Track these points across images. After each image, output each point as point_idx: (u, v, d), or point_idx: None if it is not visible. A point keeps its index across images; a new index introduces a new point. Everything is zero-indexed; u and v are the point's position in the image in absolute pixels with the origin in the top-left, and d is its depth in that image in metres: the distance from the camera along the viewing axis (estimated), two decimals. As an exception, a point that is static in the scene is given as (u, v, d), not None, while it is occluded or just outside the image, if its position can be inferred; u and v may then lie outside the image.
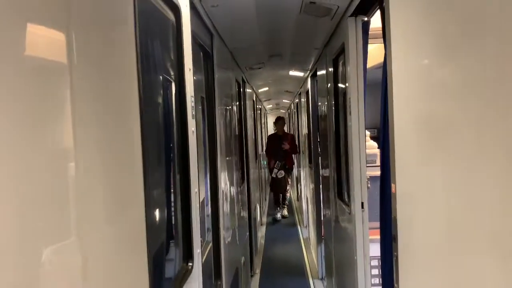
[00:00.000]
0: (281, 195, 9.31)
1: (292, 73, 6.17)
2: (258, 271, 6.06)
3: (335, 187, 3.77)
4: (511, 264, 0.90)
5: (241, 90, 5.00)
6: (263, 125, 11.66)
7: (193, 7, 2.20)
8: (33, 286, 0.73)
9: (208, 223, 2.88)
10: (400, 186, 1.72)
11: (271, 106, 12.85)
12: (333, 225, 4.07)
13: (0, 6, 0.68)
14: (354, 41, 2.73)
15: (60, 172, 0.83)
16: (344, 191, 3.48)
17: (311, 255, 6.65)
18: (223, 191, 3.04)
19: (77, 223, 0.87)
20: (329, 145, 3.96)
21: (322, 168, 4.92)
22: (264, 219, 9.32)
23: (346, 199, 3.26)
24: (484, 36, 1.01)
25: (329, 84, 3.79)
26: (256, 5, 2.65)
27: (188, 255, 1.86)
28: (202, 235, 2.42)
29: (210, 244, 2.84)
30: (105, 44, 1.07)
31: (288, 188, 9.62)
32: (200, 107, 2.81)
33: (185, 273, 1.79)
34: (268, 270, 6.12)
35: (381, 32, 2.05)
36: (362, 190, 2.84)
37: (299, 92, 8.00)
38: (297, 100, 9.10)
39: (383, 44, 1.89)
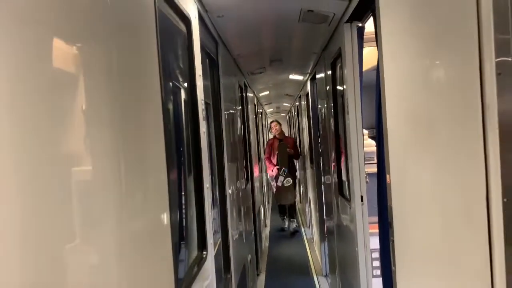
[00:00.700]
0: (288, 206, 8.16)
1: (292, 77, 6.34)
2: (263, 270, 6.22)
3: (336, 184, 3.94)
4: (481, 236, 1.08)
5: (244, 94, 5.19)
6: (264, 128, 11.81)
7: (200, 18, 2.39)
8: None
9: (215, 225, 3.04)
10: (394, 177, 1.90)
11: (271, 109, 13.01)
12: (335, 222, 4.24)
13: (34, 17, 0.76)
14: (349, 45, 2.92)
15: (104, 167, 0.99)
16: (344, 188, 3.65)
17: (315, 253, 6.80)
18: (230, 189, 3.22)
19: (118, 213, 1.05)
20: (330, 145, 4.14)
21: (323, 168, 5.09)
22: (268, 221, 9.44)
23: (347, 195, 3.44)
24: (459, 40, 1.19)
25: (327, 87, 3.97)
26: (258, 15, 2.84)
27: (202, 245, 2.04)
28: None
29: (219, 241, 3.01)
30: (132, 54, 1.25)
31: (296, 197, 8.21)
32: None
33: (200, 261, 1.97)
34: (273, 270, 6.27)
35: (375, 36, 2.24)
36: (361, 185, 3.02)
37: (299, 95, 8.10)
38: (297, 103, 9.10)
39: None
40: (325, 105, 4.23)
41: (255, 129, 7.30)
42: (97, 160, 0.97)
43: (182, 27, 1.97)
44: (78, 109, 0.91)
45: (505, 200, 0.96)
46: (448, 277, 1.38)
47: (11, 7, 0.72)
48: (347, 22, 2.87)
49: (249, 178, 5.20)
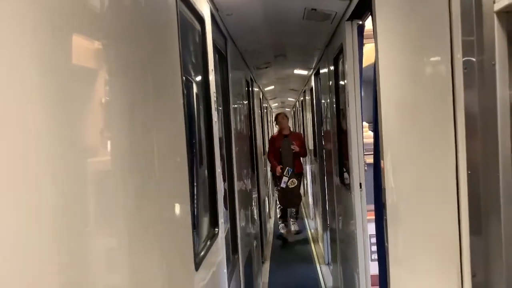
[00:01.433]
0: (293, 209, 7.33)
1: (297, 71, 6.46)
2: (268, 258, 6.46)
3: (338, 174, 4.15)
4: (452, 203, 1.29)
5: (250, 89, 5.39)
6: (269, 123, 12.00)
7: (212, 16, 2.59)
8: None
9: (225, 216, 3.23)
10: (387, 162, 2.11)
11: (276, 104, 13.20)
12: (337, 211, 4.45)
13: (68, 23, 0.81)
14: (350, 42, 3.11)
15: (139, 155, 1.20)
16: (345, 177, 3.86)
17: (318, 243, 7.02)
18: (237, 175, 3.43)
19: (156, 193, 1.27)
20: (332, 137, 4.35)
21: (326, 159, 5.29)
22: (272, 213, 9.63)
23: (347, 184, 3.65)
24: (437, 41, 1.39)
25: (330, 81, 4.17)
26: (265, 13, 3.05)
27: (214, 223, 2.26)
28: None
29: (228, 227, 3.23)
30: (160, 50, 1.46)
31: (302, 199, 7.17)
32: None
33: (212, 237, 2.19)
34: (277, 258, 6.50)
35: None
36: (360, 172, 3.23)
37: (304, 90, 8.19)
38: (302, 98, 9.15)
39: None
40: (328, 99, 4.43)
41: (260, 122, 7.48)
42: (136, 146, 1.16)
43: (197, 26, 2.18)
44: (116, 98, 1.11)
45: (469, 172, 1.17)
46: (427, 245, 1.60)
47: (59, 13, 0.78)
48: (348, 20, 3.07)
49: (255, 169, 5.42)
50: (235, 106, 3.71)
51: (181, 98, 1.61)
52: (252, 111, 5.57)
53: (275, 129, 8.12)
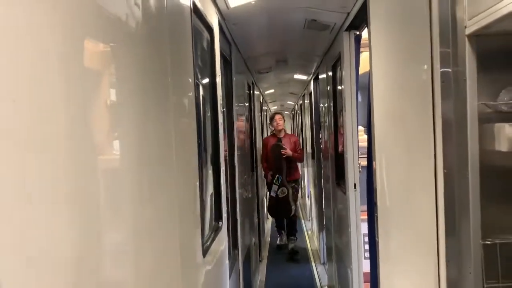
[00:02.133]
0: (286, 220, 6.57)
1: (297, 76, 6.62)
2: (265, 257, 6.62)
3: (334, 176, 4.34)
4: (431, 199, 1.49)
5: (251, 92, 5.58)
6: (269, 127, 12.13)
7: (219, 25, 2.79)
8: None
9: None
10: (378, 164, 2.30)
11: (276, 107, 13.38)
12: (333, 211, 4.64)
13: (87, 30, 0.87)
14: (348, 50, 3.31)
15: (153, 154, 1.39)
16: (340, 179, 4.05)
17: (314, 243, 7.19)
18: (238, 176, 3.62)
19: (176, 182, 1.45)
20: (329, 140, 4.54)
21: (323, 162, 5.47)
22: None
23: (343, 184, 3.84)
24: (420, 53, 1.58)
25: (328, 87, 4.37)
26: (268, 23, 3.26)
27: (219, 217, 2.44)
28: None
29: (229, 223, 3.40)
30: (178, 55, 1.64)
31: (294, 210, 6.29)
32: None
33: (217, 229, 2.37)
34: (274, 257, 6.67)
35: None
36: (355, 173, 3.42)
37: (303, 94, 8.31)
38: (301, 102, 9.26)
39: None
40: (326, 104, 4.62)
41: (260, 124, 7.66)
42: (153, 141, 1.34)
43: (207, 34, 2.37)
44: (137, 97, 1.30)
45: (445, 171, 1.36)
46: (411, 239, 1.79)
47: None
48: (346, 30, 3.27)
49: (254, 170, 5.60)
50: (238, 107, 3.89)
51: (194, 100, 1.80)
52: (253, 113, 5.75)
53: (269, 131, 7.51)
